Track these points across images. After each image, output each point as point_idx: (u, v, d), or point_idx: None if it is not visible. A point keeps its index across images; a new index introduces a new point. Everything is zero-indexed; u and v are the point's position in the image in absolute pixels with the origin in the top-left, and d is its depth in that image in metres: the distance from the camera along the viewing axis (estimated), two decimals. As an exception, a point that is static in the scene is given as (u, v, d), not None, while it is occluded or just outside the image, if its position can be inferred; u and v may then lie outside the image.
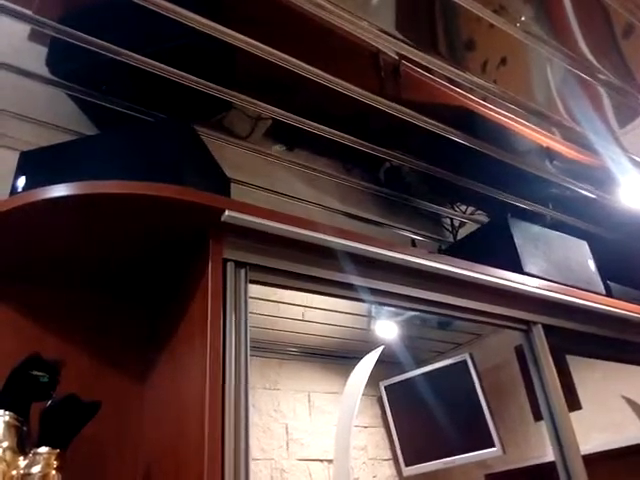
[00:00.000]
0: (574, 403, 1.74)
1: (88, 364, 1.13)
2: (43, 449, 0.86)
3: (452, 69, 1.43)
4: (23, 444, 0.88)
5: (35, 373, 0.90)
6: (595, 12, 1.44)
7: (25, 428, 0.90)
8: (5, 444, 0.86)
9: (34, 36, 1.37)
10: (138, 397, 1.15)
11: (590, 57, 1.49)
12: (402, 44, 1.35)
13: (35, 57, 1.35)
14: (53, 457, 0.86)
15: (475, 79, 1.46)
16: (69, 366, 0.98)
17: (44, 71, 1.34)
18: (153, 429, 1.10)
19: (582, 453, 1.33)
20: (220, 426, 0.86)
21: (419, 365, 1.90)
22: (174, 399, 1.03)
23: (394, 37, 1.33)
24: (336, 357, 1.87)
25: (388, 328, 1.73)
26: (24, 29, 1.36)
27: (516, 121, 1.62)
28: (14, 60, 1.34)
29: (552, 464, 1.33)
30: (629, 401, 1.72)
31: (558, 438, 1.33)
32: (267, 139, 1.81)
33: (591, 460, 1.35)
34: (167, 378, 1.10)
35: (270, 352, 1.75)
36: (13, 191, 1.11)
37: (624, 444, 1.66)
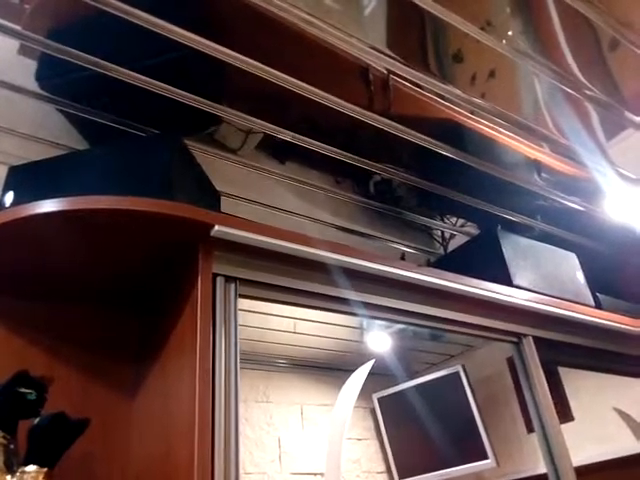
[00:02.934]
0: (566, 415, 1.75)
1: (77, 380, 1.12)
2: (31, 467, 0.86)
3: (441, 85, 1.44)
4: (10, 462, 0.87)
5: (22, 390, 0.90)
6: (582, 24, 1.46)
7: (12, 446, 0.89)
8: (-8, 462, 0.85)
9: (24, 50, 1.37)
10: (127, 413, 1.14)
11: (577, 72, 1.51)
12: (392, 60, 1.36)
13: (25, 71, 1.35)
14: (41, 476, 0.86)
15: (464, 95, 1.47)
16: (58, 382, 0.98)
17: (34, 86, 1.34)
18: (142, 444, 1.09)
19: (575, 465, 1.33)
20: (210, 441, 0.86)
21: (412, 377, 1.89)
22: (163, 414, 1.02)
23: (384, 54, 1.34)
24: (328, 369, 1.86)
25: (380, 340, 1.73)
26: (13, 43, 1.35)
27: (504, 134, 1.63)
28: (3, 74, 1.33)
29: (546, 476, 1.33)
30: (621, 413, 1.72)
31: (550, 450, 1.33)
32: (258, 152, 1.82)
33: (584, 472, 1.36)
34: (157, 393, 1.09)
35: (261, 364, 1.74)
36: (0, 206, 1.11)
37: (616, 455, 1.66)
